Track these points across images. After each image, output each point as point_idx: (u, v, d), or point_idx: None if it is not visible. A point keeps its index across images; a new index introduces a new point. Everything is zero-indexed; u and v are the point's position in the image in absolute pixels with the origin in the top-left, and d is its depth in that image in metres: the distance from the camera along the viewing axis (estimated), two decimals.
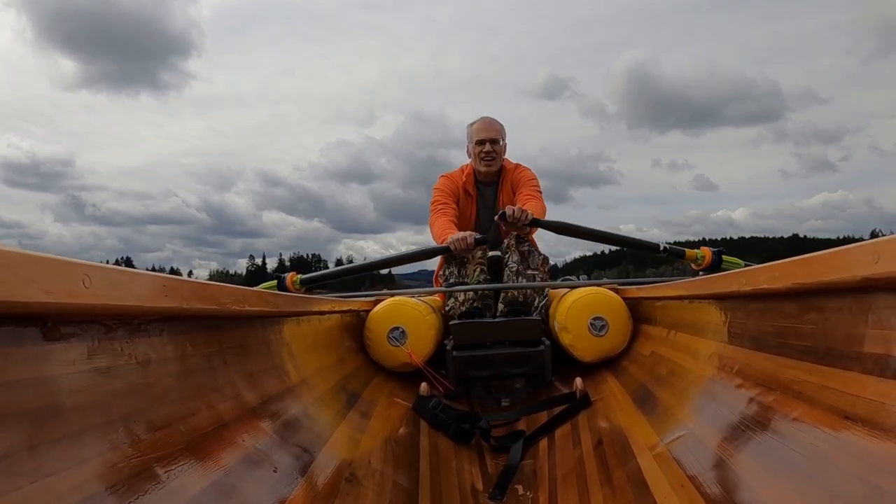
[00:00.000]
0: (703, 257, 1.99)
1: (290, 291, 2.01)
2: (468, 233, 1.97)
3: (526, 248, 2.14)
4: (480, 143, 2.27)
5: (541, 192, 2.29)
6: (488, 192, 2.37)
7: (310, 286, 2.10)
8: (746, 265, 1.82)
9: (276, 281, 2.09)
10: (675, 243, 2.10)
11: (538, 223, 2.01)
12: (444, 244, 2.00)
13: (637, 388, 1.33)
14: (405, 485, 1.04)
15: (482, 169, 2.29)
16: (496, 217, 1.99)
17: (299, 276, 2.09)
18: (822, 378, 0.68)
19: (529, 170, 2.36)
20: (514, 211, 1.92)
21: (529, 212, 1.95)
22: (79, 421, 0.50)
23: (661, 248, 2.06)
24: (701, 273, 1.97)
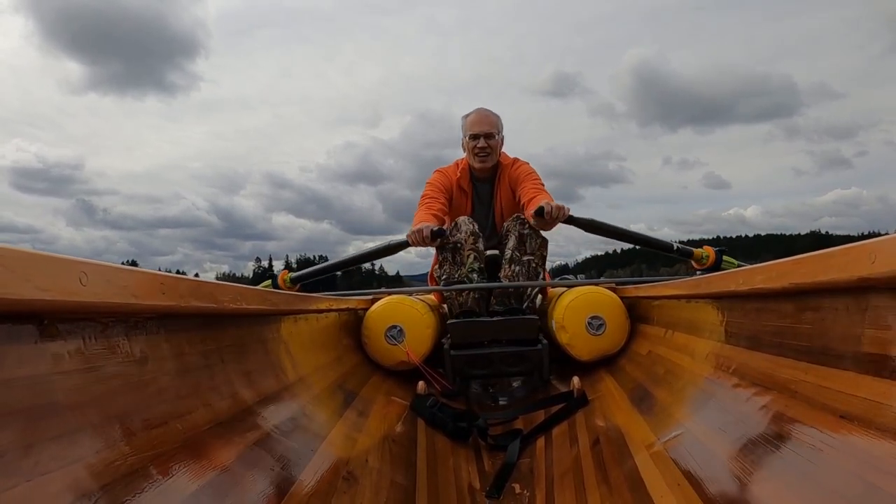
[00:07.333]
0: (708, 257, 2.07)
1: (283, 290, 2.04)
2: (423, 225, 1.86)
3: (526, 231, 1.99)
4: (474, 137, 2.11)
5: (544, 186, 2.12)
6: (484, 188, 2.23)
7: (300, 283, 2.15)
8: (739, 265, 1.85)
9: (270, 280, 2.12)
10: (688, 242, 2.20)
11: (574, 221, 1.92)
12: (404, 239, 1.91)
13: (634, 387, 1.33)
14: (402, 483, 1.04)
15: (477, 165, 2.16)
16: (532, 213, 1.84)
17: (289, 273, 2.17)
18: (819, 378, 0.68)
19: (528, 164, 2.21)
20: (552, 208, 1.78)
21: (567, 208, 1.83)
22: (75, 419, 0.50)
23: (675, 248, 2.16)
24: (698, 272, 2.01)
